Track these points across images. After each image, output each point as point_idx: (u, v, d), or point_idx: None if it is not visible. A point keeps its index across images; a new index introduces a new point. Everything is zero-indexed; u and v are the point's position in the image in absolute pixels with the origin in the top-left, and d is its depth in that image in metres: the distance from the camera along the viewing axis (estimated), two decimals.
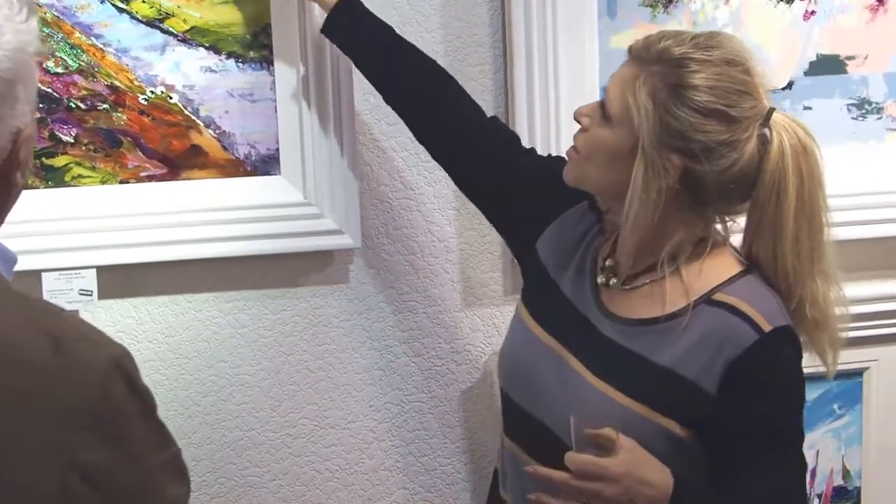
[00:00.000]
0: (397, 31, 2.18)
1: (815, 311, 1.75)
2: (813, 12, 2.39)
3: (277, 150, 2.21)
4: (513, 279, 2.31)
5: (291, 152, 2.20)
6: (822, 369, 2.30)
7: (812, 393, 2.46)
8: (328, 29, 2.04)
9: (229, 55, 2.18)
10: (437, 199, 2.30)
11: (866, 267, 2.45)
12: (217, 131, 2.20)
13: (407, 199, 2.29)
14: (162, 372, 2.26)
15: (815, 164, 1.71)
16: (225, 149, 2.21)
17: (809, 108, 2.41)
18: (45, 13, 2.11)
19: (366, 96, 2.24)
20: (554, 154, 2.12)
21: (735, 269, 1.75)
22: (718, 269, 1.75)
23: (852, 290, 2.40)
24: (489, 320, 2.35)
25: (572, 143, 1.79)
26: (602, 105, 1.74)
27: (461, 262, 2.33)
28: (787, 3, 2.38)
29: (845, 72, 2.42)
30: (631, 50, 1.74)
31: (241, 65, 2.18)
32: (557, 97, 2.24)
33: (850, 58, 2.42)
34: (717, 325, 1.70)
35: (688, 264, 1.74)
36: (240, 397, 2.30)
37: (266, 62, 2.19)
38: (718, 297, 1.73)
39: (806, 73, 2.41)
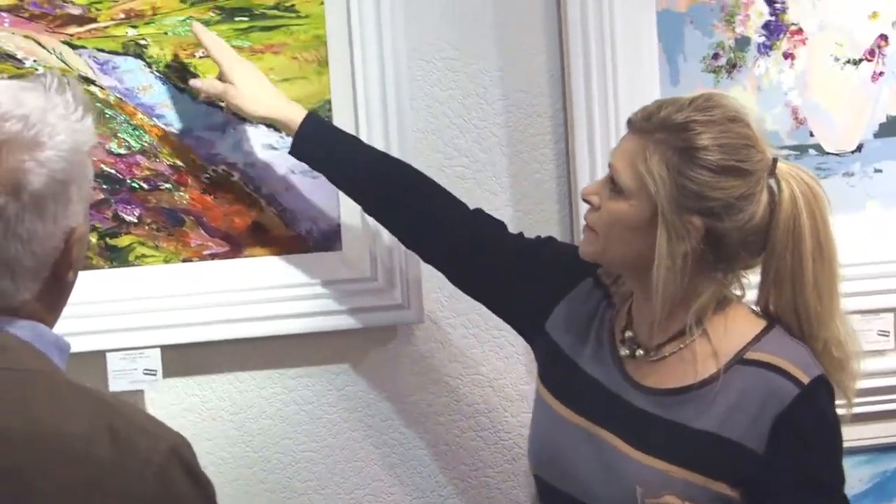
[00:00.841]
0: (459, 102, 2.19)
1: (840, 352, 1.76)
2: (881, 73, 2.35)
3: (339, 225, 2.21)
4: None
5: (353, 228, 2.20)
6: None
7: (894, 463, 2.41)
8: (296, 152, 2.05)
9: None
10: None
11: None
12: (279, 208, 2.20)
13: None
14: (227, 450, 2.25)
15: (824, 206, 1.74)
16: (287, 225, 2.21)
17: (880, 171, 2.36)
18: (107, 95, 2.13)
19: (426, 170, 2.23)
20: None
21: (758, 325, 1.76)
22: (742, 326, 1.76)
23: None
24: None
25: (584, 223, 1.79)
26: (611, 180, 1.73)
27: None
28: (854, 64, 2.34)
29: None
30: (631, 122, 1.75)
31: None
32: None
33: None
34: (755, 383, 1.71)
35: (712, 325, 1.75)
36: (305, 475, 2.28)
37: None
38: (750, 355, 1.73)
39: (876, 135, 2.36)
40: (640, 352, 1.79)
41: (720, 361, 1.73)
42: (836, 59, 2.33)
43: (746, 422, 1.70)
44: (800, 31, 2.31)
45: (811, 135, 2.34)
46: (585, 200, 1.78)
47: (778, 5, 2.30)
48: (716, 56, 2.30)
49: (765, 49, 2.31)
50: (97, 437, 1.24)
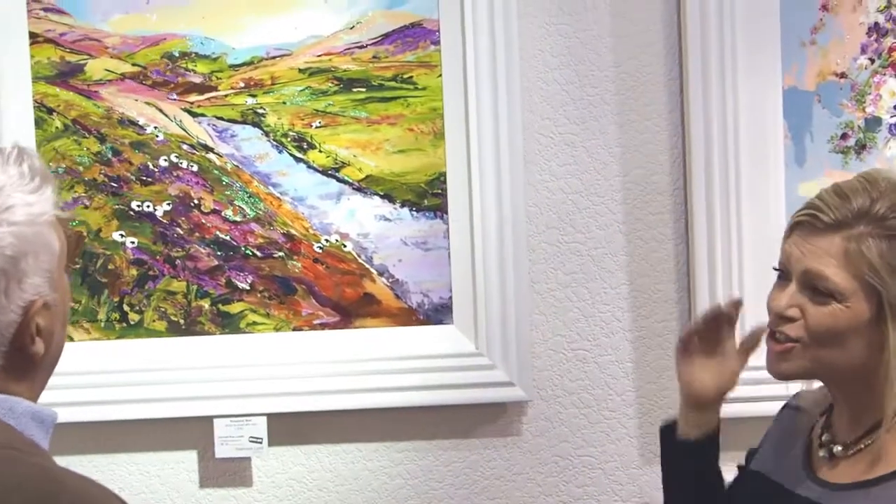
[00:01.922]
0: (576, 178, 2.18)
1: None
2: None
3: (451, 298, 2.18)
4: None
5: (465, 302, 2.18)
6: None
7: None
8: (678, 444, 1.85)
9: (404, 203, 2.17)
10: (614, 352, 2.22)
11: None
12: (390, 279, 2.19)
13: (583, 351, 2.22)
14: None
15: None
16: (398, 297, 2.19)
17: None
18: (224, 163, 2.15)
19: (540, 244, 2.20)
20: None
21: None
22: None
23: None
24: None
25: (774, 340, 1.66)
26: (808, 286, 1.64)
27: (639, 417, 2.24)
28: None
29: None
30: (815, 221, 1.64)
31: (415, 213, 2.17)
32: (741, 247, 2.15)
33: None
34: None
35: None
36: None
37: (440, 210, 2.17)
38: None
39: None
40: (837, 448, 1.70)
41: None
42: None
43: None
44: None
45: None
46: (783, 315, 1.65)
47: None
48: (844, 136, 2.22)
49: None
50: None
